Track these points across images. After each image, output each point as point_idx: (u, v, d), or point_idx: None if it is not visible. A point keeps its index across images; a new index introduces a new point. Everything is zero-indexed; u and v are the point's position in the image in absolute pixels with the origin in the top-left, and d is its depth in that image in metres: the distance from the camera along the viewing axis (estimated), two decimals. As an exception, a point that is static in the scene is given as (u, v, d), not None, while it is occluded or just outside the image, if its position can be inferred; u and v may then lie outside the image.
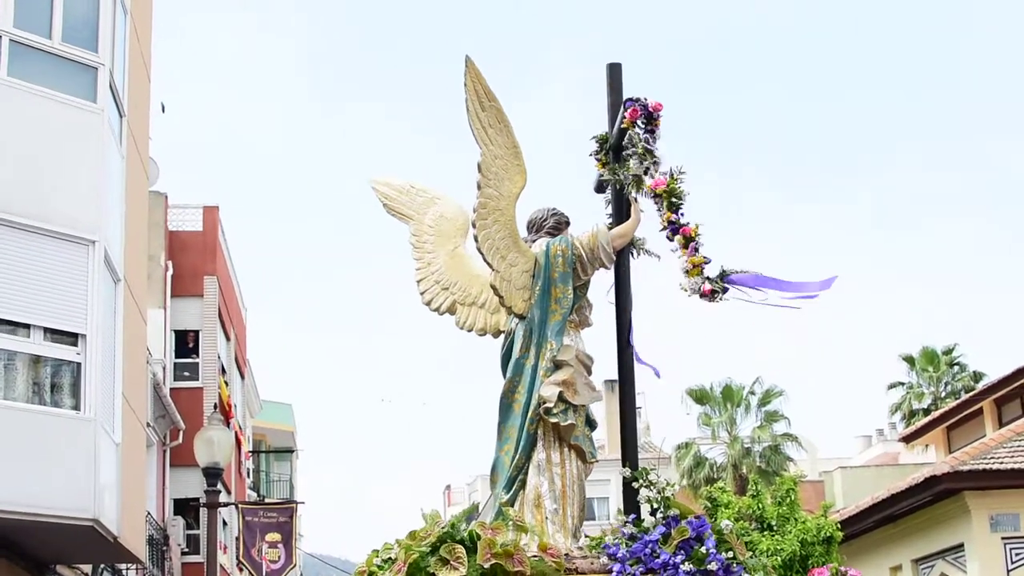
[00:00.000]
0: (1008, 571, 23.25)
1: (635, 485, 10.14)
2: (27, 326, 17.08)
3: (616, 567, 9.30)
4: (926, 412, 47.94)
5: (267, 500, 46.42)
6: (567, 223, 10.79)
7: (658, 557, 9.27)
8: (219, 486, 22.79)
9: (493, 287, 10.21)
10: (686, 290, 10.22)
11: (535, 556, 9.26)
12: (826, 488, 39.27)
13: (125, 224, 19.68)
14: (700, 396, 50.23)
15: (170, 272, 34.65)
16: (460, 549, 9.01)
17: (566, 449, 10.20)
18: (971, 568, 23.73)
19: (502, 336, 10.65)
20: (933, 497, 24.29)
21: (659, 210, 10.30)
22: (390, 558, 9.48)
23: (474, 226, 10.09)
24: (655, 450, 54.57)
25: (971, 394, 34.84)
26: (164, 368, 32.88)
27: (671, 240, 10.26)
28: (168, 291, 34.38)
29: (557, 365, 10.20)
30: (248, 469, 47.67)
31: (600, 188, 11.41)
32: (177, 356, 35.74)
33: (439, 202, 11.19)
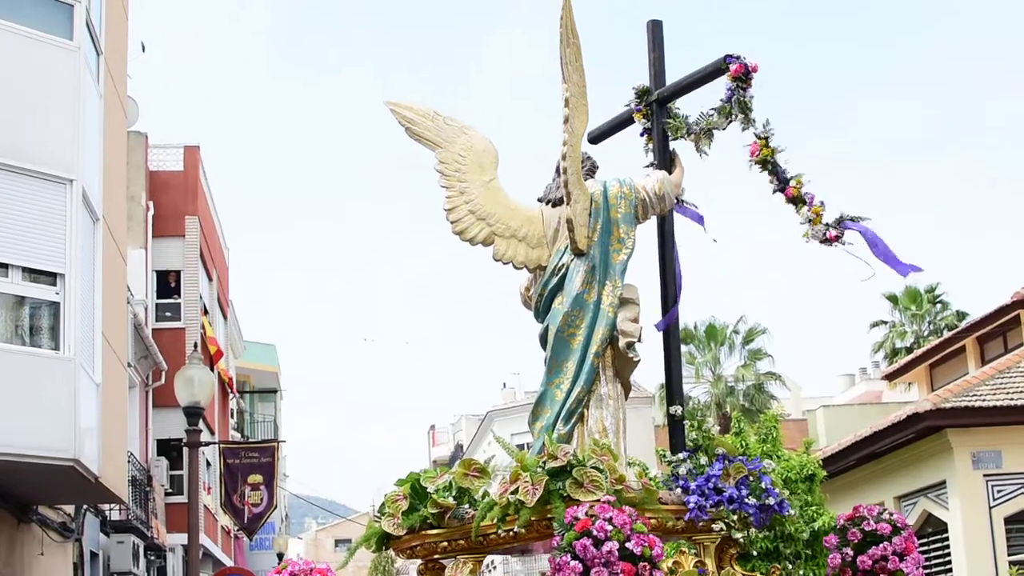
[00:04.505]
0: (990, 508, 23.32)
1: (685, 423, 10.38)
2: (5, 266, 16.96)
3: (693, 499, 9.54)
4: (909, 350, 47.98)
5: (250, 440, 46.47)
6: (597, 167, 10.85)
7: (723, 492, 9.60)
8: (201, 426, 22.72)
9: (568, 221, 10.13)
10: (810, 238, 10.44)
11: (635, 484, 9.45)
12: (809, 427, 39.30)
13: (103, 163, 19.53)
14: (684, 335, 50.11)
15: (151, 212, 34.50)
16: (596, 474, 9.04)
17: (619, 385, 10.34)
18: (953, 505, 23.79)
19: (540, 271, 10.58)
20: (916, 435, 24.31)
21: (763, 171, 10.53)
22: (455, 485, 9.57)
23: (563, 159, 10.05)
24: (639, 389, 54.80)
25: (954, 332, 34.86)
26: (146, 308, 32.78)
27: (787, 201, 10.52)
28: (149, 231, 34.25)
29: (622, 303, 10.29)
30: (233, 410, 47.68)
31: (596, 139, 11.50)
32: (159, 296, 35.64)
33: (468, 133, 10.90)
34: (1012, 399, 23.56)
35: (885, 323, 55.43)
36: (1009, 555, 23.08)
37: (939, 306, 54.09)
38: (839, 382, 61.60)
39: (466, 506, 9.55)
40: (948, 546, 23.73)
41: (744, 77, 10.47)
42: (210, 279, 39.80)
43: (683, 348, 50.84)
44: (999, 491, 23.37)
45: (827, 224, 10.36)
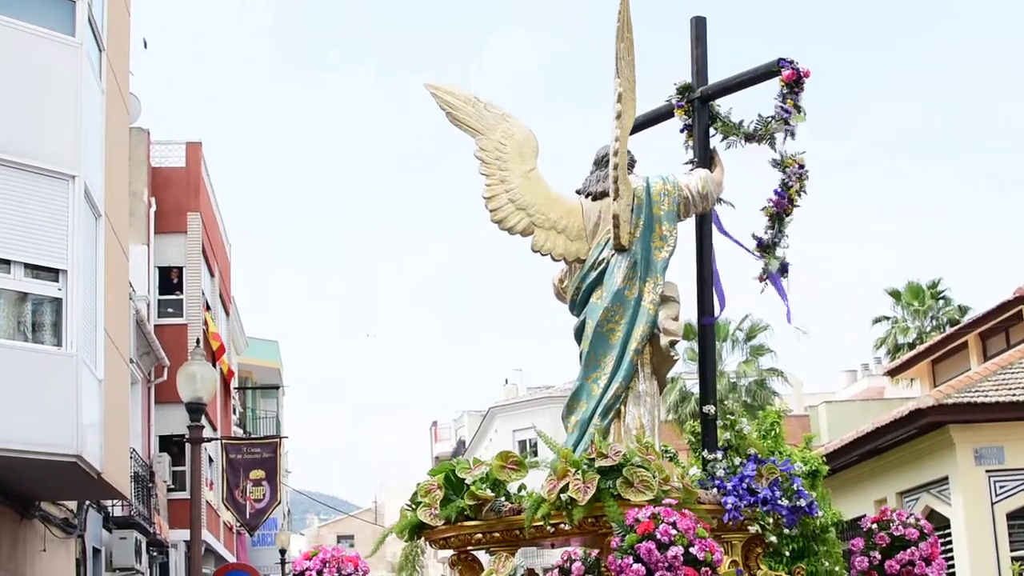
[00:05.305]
0: (992, 504, 23.33)
1: (719, 423, 10.36)
2: (7, 262, 16.96)
3: (730, 500, 9.59)
4: (911, 346, 47.96)
5: (252, 436, 46.48)
6: (636, 161, 10.76)
7: (756, 493, 9.66)
8: (203, 422, 22.72)
9: (616, 216, 10.07)
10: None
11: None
12: (811, 422, 39.32)
13: (105, 160, 19.51)
14: (686, 331, 49.92)
15: (153, 208, 34.49)
16: (646, 474, 9.06)
17: (655, 382, 10.34)
18: (955, 501, 23.80)
19: (577, 264, 10.56)
20: (918, 430, 24.33)
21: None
22: (491, 477, 9.55)
23: (615, 154, 9.97)
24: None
25: (956, 328, 34.88)
26: (148, 305, 32.76)
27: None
28: (151, 227, 34.25)
29: (663, 300, 10.27)
30: (235, 406, 47.69)
31: (631, 131, 11.49)
32: (161, 293, 35.62)
33: (510, 120, 10.76)
34: (1014, 395, 23.58)
35: (887, 319, 55.36)
36: (1011, 551, 23.10)
37: (941, 302, 54.01)
38: (841, 378, 61.59)
39: (502, 499, 9.54)
40: (950, 542, 23.73)
41: (796, 83, 10.41)
42: (212, 275, 39.79)
43: (685, 344, 51.11)
44: (1001, 487, 23.38)
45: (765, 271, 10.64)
